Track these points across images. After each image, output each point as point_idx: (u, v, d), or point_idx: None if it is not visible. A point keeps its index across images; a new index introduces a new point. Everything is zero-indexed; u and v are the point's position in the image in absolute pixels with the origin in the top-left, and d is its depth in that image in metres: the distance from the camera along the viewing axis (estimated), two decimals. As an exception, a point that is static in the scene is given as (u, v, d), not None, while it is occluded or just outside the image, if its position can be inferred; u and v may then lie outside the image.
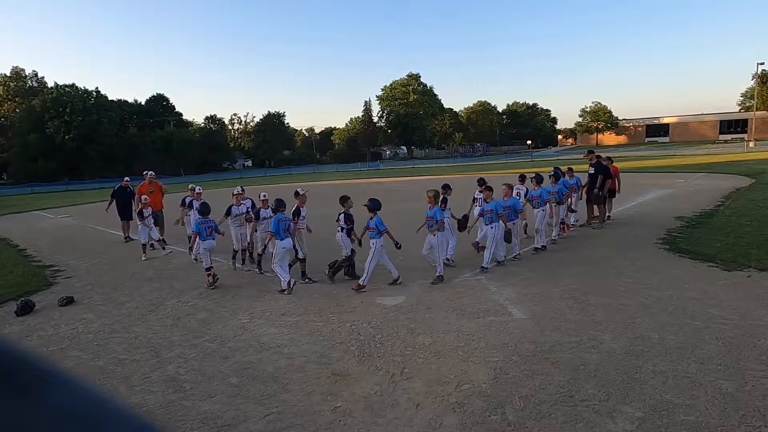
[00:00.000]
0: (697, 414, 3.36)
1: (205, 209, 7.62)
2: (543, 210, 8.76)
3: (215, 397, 4.06)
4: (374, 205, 7.02)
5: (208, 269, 7.42)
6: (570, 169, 10.59)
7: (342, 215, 7.26)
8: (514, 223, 7.95)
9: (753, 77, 62.06)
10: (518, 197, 9.10)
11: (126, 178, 12.57)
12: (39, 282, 8.30)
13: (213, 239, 7.48)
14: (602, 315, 5.38)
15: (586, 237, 9.94)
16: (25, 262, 10.28)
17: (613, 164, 11.57)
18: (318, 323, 5.69)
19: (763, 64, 54.24)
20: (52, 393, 0.31)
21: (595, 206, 10.90)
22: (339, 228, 7.30)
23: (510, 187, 8.33)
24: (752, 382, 3.74)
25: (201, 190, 9.42)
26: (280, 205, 7.15)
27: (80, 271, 9.13)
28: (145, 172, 11.72)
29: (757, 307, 5.30)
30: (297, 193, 7.96)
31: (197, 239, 7.56)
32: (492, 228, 7.51)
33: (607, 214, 11.53)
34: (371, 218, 6.95)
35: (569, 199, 10.06)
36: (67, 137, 53.00)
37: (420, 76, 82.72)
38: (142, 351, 5.15)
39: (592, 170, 10.84)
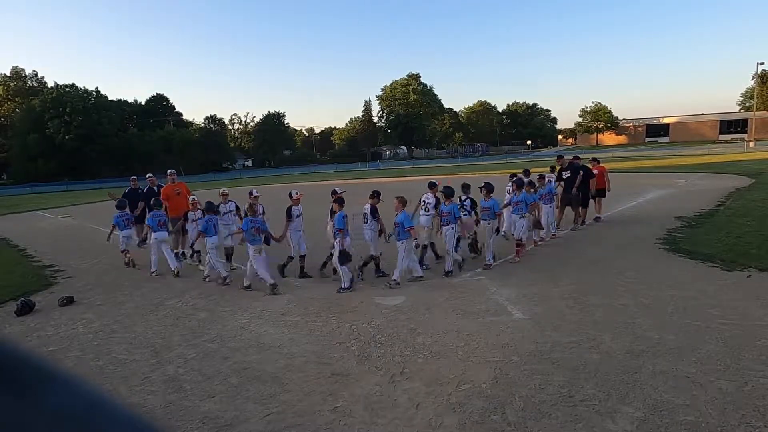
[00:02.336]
0: (697, 414, 3.36)
1: (122, 204, 9.18)
2: (489, 223, 7.76)
3: (215, 397, 4.06)
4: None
5: (123, 251, 9.16)
6: (541, 177, 9.87)
7: (467, 200, 8.14)
8: (402, 242, 6.98)
9: (753, 77, 62.03)
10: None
11: (133, 178, 11.42)
12: (39, 282, 8.30)
13: (131, 228, 9.27)
14: (602, 315, 5.38)
15: (586, 237, 9.94)
16: (25, 262, 10.28)
17: (600, 164, 11.49)
18: (318, 323, 5.69)
19: (763, 64, 54.18)
20: (52, 393, 0.31)
21: (579, 208, 10.74)
22: (465, 212, 7.96)
23: (401, 201, 7.04)
24: (752, 382, 3.74)
25: (258, 194, 8.29)
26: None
27: (80, 271, 9.13)
28: (168, 171, 10.38)
29: (757, 307, 5.30)
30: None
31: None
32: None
33: (597, 215, 11.46)
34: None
35: (534, 212, 8.65)
36: (67, 137, 52.96)
37: (420, 76, 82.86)
38: (142, 351, 5.15)
39: (567, 173, 10.62)
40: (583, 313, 5.49)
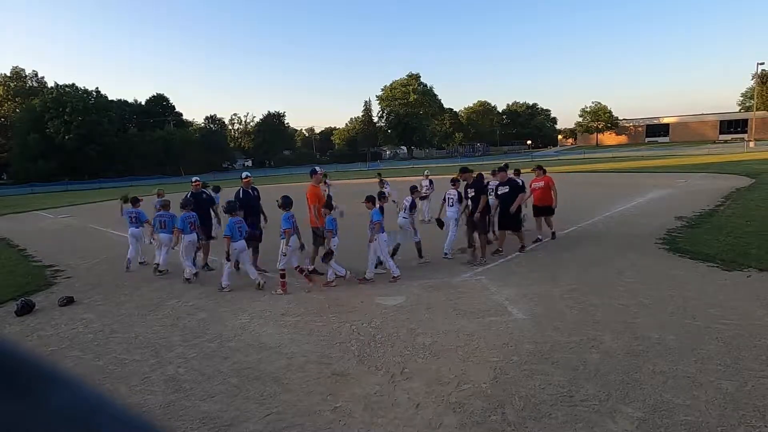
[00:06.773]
0: (697, 414, 3.36)
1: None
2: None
3: (215, 397, 4.06)
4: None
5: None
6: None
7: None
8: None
9: (753, 77, 62.10)
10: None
11: (195, 179, 9.58)
12: (39, 282, 8.29)
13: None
14: (602, 315, 5.38)
15: (586, 237, 9.93)
16: (25, 262, 10.27)
17: (546, 174, 9.59)
18: (318, 323, 5.69)
19: (763, 64, 54.30)
20: (52, 394, 0.31)
21: (485, 236, 8.29)
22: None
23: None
24: (752, 382, 3.74)
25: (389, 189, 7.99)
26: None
27: (80, 271, 9.12)
28: (316, 168, 8.36)
29: (757, 307, 5.30)
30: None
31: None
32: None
33: (552, 231, 9.63)
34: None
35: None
36: (67, 137, 52.91)
37: (420, 76, 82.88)
38: (142, 351, 5.15)
39: (472, 192, 8.13)
40: (583, 313, 5.49)
